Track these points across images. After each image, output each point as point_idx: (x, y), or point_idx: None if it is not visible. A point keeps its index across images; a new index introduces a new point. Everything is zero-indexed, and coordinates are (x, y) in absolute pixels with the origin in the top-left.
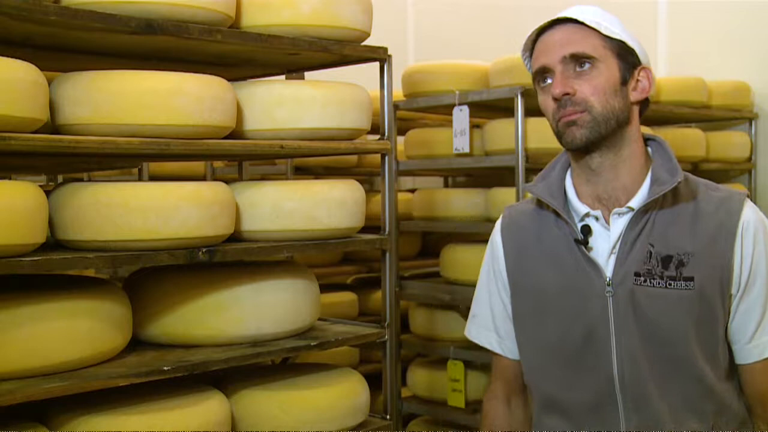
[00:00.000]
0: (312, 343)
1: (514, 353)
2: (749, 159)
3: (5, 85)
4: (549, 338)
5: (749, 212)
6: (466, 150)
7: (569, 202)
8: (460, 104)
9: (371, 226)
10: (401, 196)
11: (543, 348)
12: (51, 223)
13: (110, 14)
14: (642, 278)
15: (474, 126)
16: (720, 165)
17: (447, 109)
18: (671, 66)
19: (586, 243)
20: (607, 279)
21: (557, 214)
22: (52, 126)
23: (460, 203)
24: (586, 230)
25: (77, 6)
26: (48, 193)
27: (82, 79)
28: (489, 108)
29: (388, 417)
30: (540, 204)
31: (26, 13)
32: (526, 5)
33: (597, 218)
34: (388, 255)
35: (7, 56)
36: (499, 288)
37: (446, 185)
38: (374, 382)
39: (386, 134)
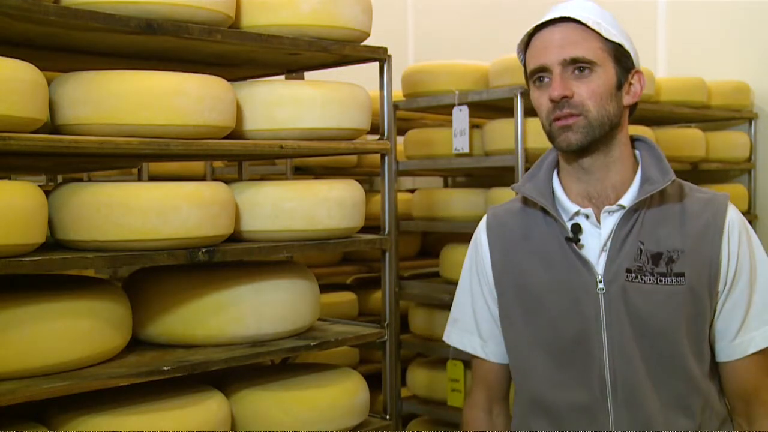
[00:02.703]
0: (312, 343)
1: (497, 356)
2: (749, 159)
3: (5, 85)
4: (539, 337)
5: (733, 213)
6: (466, 150)
7: (558, 201)
8: (459, 104)
9: (371, 226)
10: (401, 196)
11: (532, 347)
12: (51, 223)
13: (110, 14)
14: (633, 275)
15: (474, 126)
16: (720, 165)
17: (447, 109)
18: (671, 66)
19: (577, 241)
20: (599, 276)
21: (545, 213)
22: (52, 126)
23: (460, 203)
24: (577, 228)
25: (77, 6)
26: (48, 193)
27: (82, 79)
28: (489, 108)
29: (387, 417)
30: (526, 202)
31: (26, 13)
32: (527, 5)
33: (587, 216)
34: (388, 255)
35: (7, 56)
36: (483, 288)
37: (446, 185)
38: (374, 382)
39: (386, 134)
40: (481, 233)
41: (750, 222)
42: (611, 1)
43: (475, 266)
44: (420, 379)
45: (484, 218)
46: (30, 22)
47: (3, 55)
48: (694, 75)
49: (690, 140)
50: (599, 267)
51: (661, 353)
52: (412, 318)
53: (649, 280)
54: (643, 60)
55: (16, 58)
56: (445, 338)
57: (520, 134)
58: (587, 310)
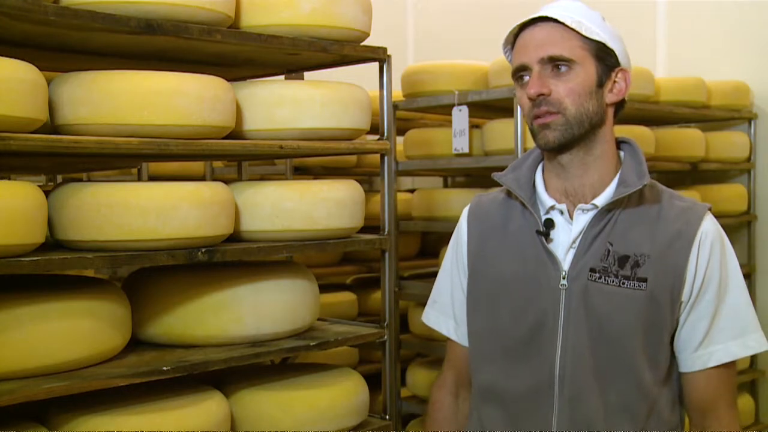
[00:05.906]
0: (312, 343)
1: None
2: (748, 159)
3: (5, 85)
4: (498, 325)
5: (709, 224)
6: (466, 150)
7: (537, 194)
8: (459, 104)
9: (371, 226)
10: (401, 196)
11: (490, 334)
12: (51, 223)
13: (110, 14)
14: (597, 275)
15: (473, 126)
16: (719, 165)
17: (446, 109)
18: (671, 66)
19: (547, 235)
20: (563, 272)
21: (524, 205)
22: (52, 126)
23: (460, 203)
24: (549, 223)
25: (77, 6)
26: (48, 193)
27: (81, 79)
28: (488, 108)
29: (387, 417)
30: (509, 194)
31: (26, 13)
32: (526, 5)
33: (561, 212)
34: (387, 255)
35: (7, 56)
36: (459, 273)
37: (446, 185)
38: (374, 382)
39: (386, 134)
40: (462, 220)
41: (750, 222)
42: (611, 0)
43: (454, 251)
44: (420, 379)
45: (468, 205)
46: (30, 22)
47: (3, 55)
48: (694, 75)
49: (690, 140)
50: (565, 263)
51: (614, 356)
52: (412, 318)
53: (612, 281)
54: (643, 60)
55: (16, 58)
56: (423, 318)
57: (519, 134)
58: (547, 304)
